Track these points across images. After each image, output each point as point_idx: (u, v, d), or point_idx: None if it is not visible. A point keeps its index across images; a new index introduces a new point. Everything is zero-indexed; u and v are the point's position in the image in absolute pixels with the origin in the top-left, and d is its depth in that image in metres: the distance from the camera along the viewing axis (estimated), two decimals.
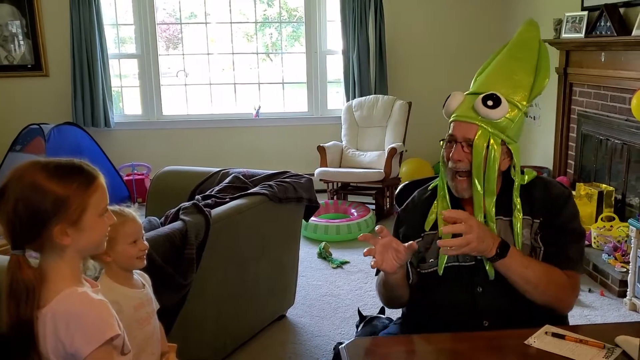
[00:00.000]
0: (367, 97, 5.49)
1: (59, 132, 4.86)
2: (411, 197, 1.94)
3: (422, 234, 1.79)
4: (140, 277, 1.67)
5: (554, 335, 1.48)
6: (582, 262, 1.72)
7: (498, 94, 1.65)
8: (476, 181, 1.67)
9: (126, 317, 1.54)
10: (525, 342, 1.46)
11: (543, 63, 1.73)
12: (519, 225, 1.68)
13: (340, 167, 5.29)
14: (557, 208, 1.70)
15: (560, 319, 1.71)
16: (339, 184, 5.33)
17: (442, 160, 1.76)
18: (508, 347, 1.45)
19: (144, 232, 1.64)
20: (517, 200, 1.69)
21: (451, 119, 1.74)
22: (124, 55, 5.92)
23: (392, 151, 4.95)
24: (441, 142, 1.77)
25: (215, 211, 2.55)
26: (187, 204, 2.53)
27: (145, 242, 1.63)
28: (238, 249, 2.74)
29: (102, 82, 5.57)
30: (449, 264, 1.72)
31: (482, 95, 1.66)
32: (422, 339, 1.60)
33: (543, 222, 1.70)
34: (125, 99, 6.11)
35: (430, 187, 1.89)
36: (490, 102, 1.64)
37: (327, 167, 5.12)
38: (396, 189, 5.18)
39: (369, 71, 5.66)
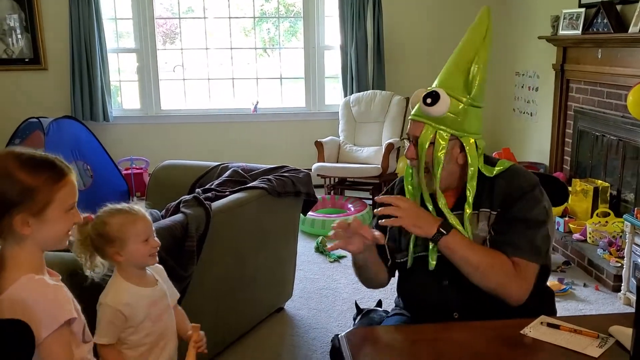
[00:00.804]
0: (365, 92, 5.51)
1: (58, 126, 4.86)
2: (390, 185, 2.00)
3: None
4: (153, 270, 1.67)
5: (549, 325, 1.51)
6: (535, 252, 1.65)
7: (438, 90, 1.67)
8: (420, 178, 1.70)
9: (140, 316, 1.57)
10: (521, 331, 1.49)
11: (481, 54, 1.71)
12: (466, 217, 1.69)
13: (337, 162, 5.31)
14: (513, 200, 1.69)
15: (536, 306, 1.68)
16: (336, 179, 5.35)
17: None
18: (504, 337, 1.48)
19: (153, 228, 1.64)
20: (469, 193, 1.69)
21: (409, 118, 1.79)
22: (123, 49, 5.93)
23: (390, 146, 4.97)
24: (402, 139, 1.81)
25: (216, 204, 2.58)
26: (187, 197, 2.56)
27: (157, 239, 1.62)
28: (237, 242, 2.76)
29: (101, 76, 5.58)
30: (419, 254, 1.76)
31: (424, 93, 1.69)
32: (421, 328, 1.63)
33: (499, 213, 1.70)
34: (124, 93, 6.12)
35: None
36: (429, 100, 1.66)
37: (324, 162, 5.14)
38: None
39: (367, 67, 5.68)
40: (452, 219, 1.68)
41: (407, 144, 1.78)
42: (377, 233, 1.68)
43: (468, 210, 1.69)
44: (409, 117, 1.78)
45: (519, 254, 1.64)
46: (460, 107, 1.67)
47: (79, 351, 1.33)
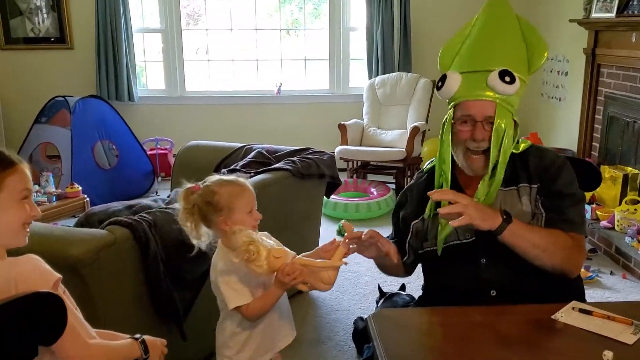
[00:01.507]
0: (391, 74, 5.46)
1: (84, 105, 4.90)
2: (410, 183, 2.00)
3: (422, 216, 1.83)
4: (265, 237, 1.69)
5: (581, 311, 1.49)
6: (584, 225, 1.73)
7: (509, 69, 1.66)
8: (493, 157, 1.67)
9: (225, 277, 1.62)
10: (552, 316, 1.47)
11: (534, 37, 1.74)
12: (495, 185, 1.69)
13: (360, 145, 5.28)
14: (553, 174, 1.72)
15: (570, 286, 1.74)
16: (359, 163, 5.33)
17: (449, 139, 1.74)
18: (535, 321, 1.46)
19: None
20: (501, 174, 1.68)
21: (460, 99, 1.72)
22: (148, 29, 5.94)
23: (415, 130, 4.92)
24: (444, 124, 1.76)
25: None
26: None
27: (258, 212, 1.68)
28: (261, 223, 2.75)
29: (127, 56, 5.60)
30: (451, 243, 1.75)
31: (497, 72, 1.65)
32: (448, 311, 1.62)
33: (540, 188, 1.72)
34: (149, 73, 6.14)
35: (425, 170, 1.92)
36: (508, 78, 1.65)
37: (347, 145, 5.12)
38: (417, 169, 5.16)
39: (393, 48, 5.62)
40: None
41: (446, 126, 1.75)
42: (392, 248, 1.73)
43: (497, 186, 1.69)
44: (466, 98, 1.70)
45: (573, 229, 1.68)
46: (522, 87, 1.70)
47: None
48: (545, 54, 1.75)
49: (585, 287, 1.90)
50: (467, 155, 1.72)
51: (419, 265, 1.95)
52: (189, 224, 1.64)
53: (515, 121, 1.72)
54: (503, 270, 1.69)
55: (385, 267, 1.91)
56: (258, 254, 1.51)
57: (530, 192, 1.72)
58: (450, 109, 1.76)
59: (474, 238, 1.72)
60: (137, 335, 1.45)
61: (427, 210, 1.80)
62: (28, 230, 1.31)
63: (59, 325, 1.18)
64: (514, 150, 1.74)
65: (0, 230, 1.26)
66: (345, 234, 1.69)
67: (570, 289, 1.75)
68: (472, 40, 1.78)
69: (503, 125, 1.66)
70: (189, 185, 1.66)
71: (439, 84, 1.77)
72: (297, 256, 1.61)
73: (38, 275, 1.23)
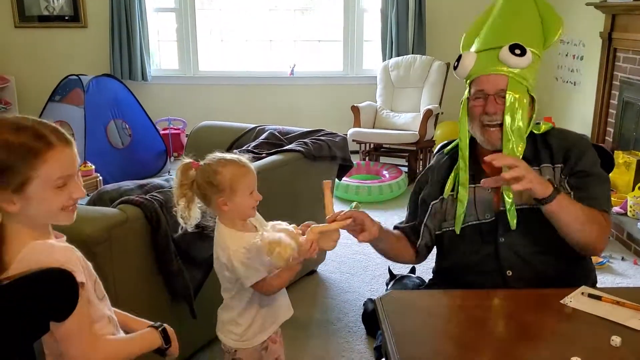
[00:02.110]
0: (405, 56, 5.41)
1: (98, 84, 4.92)
2: (430, 164, 2.00)
3: (441, 197, 1.84)
4: (255, 221, 1.72)
5: (590, 296, 1.49)
6: (610, 204, 1.73)
7: (520, 43, 1.67)
8: (509, 130, 1.68)
9: (239, 256, 1.61)
10: (561, 301, 1.47)
11: (549, 13, 1.75)
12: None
13: (373, 128, 5.26)
14: (577, 154, 1.72)
15: (582, 268, 1.76)
16: (372, 145, 5.31)
17: (466, 117, 1.77)
18: (544, 305, 1.46)
19: None
20: (521, 150, 1.69)
21: (474, 76, 1.74)
22: (162, 8, 5.92)
23: (428, 113, 4.90)
24: (462, 101, 1.78)
25: (252, 165, 2.58)
26: None
27: (259, 194, 1.67)
28: (272, 204, 2.74)
29: (140, 35, 5.60)
30: (470, 223, 1.77)
31: (508, 45, 1.67)
32: (458, 294, 1.62)
33: (564, 167, 1.72)
34: (162, 53, 6.14)
35: (446, 151, 1.93)
36: (518, 51, 1.66)
37: (360, 127, 5.10)
38: (430, 152, 5.13)
39: (407, 30, 5.57)
40: None
41: (464, 102, 1.78)
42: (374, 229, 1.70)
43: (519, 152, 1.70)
44: (479, 73, 1.72)
45: (603, 207, 1.69)
46: (535, 61, 1.70)
47: (97, 309, 1.30)
48: (560, 29, 1.75)
49: (597, 272, 1.91)
50: (483, 129, 1.73)
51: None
52: (183, 202, 1.62)
53: (532, 97, 1.72)
54: (520, 250, 1.70)
55: (386, 252, 1.90)
56: (284, 254, 1.52)
57: (553, 173, 1.72)
58: (467, 87, 1.80)
59: (494, 218, 1.73)
60: (158, 324, 1.40)
61: (446, 190, 1.81)
62: (72, 209, 1.25)
63: (70, 301, 1.19)
64: (534, 131, 1.74)
65: (39, 216, 1.22)
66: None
67: (585, 270, 1.78)
68: (490, 22, 1.79)
69: (516, 96, 1.67)
70: (187, 160, 1.63)
71: (455, 64, 1.79)
72: (312, 225, 1.61)
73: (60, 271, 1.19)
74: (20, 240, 1.19)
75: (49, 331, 1.20)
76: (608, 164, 1.95)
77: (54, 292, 1.18)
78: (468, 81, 1.78)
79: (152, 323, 1.42)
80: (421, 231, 1.87)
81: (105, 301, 1.35)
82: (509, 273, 1.72)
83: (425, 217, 1.86)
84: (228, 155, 1.65)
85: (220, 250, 1.66)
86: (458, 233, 1.77)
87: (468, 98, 1.77)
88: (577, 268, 1.75)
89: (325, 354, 2.54)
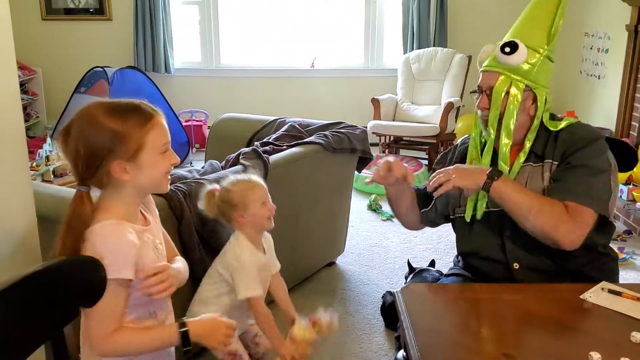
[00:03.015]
0: (426, 49, 5.40)
1: (122, 76, 4.98)
2: (454, 145, 2.03)
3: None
4: (264, 240, 1.89)
5: (610, 291, 1.49)
6: (592, 197, 1.62)
7: (516, 40, 1.69)
8: (490, 128, 1.72)
9: (249, 270, 1.79)
10: (581, 296, 1.47)
11: (563, 6, 1.74)
12: (518, 163, 1.72)
13: (394, 120, 5.26)
14: (573, 149, 1.70)
15: (591, 264, 1.72)
16: (392, 138, 5.31)
17: (475, 111, 1.83)
18: (563, 300, 1.47)
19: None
20: (528, 144, 1.73)
21: (479, 71, 1.81)
22: (186, 1, 5.96)
23: (449, 106, 4.88)
24: (471, 93, 1.84)
25: (273, 157, 2.61)
26: (246, 149, 2.60)
27: (273, 204, 1.84)
28: (292, 195, 2.80)
29: (164, 27, 5.65)
30: (485, 210, 1.78)
31: (500, 43, 1.72)
32: (476, 287, 1.63)
33: (560, 163, 1.72)
34: (185, 46, 6.18)
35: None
36: (507, 49, 1.70)
37: (380, 120, 5.10)
38: (451, 145, 5.13)
39: (429, 23, 5.54)
40: (506, 168, 1.72)
41: (475, 97, 1.81)
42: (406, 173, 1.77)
43: (522, 158, 1.73)
44: (481, 69, 1.79)
45: (572, 198, 1.63)
46: (536, 57, 1.70)
47: (138, 306, 1.34)
48: (560, 21, 1.73)
49: (620, 268, 1.89)
50: (486, 125, 1.77)
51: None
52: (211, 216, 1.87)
53: (533, 92, 1.71)
54: (526, 244, 1.71)
55: (398, 207, 1.96)
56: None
57: (551, 168, 1.72)
58: None
59: (501, 209, 1.72)
60: (182, 323, 1.37)
61: None
62: (168, 177, 1.37)
63: (98, 289, 1.23)
64: (550, 127, 1.74)
65: (146, 184, 1.32)
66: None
67: (594, 267, 1.74)
68: (523, 12, 1.83)
69: (502, 92, 1.69)
70: (209, 187, 1.86)
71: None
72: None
73: (113, 260, 1.24)
74: (104, 214, 1.27)
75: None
76: (632, 160, 1.93)
77: (83, 279, 1.22)
78: None
79: (178, 320, 1.41)
80: (432, 204, 1.92)
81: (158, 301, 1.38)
82: (516, 266, 1.74)
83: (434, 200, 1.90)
84: (239, 176, 1.87)
85: (232, 256, 1.81)
86: (468, 221, 1.80)
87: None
88: (588, 264, 1.72)
89: (343, 345, 2.56)
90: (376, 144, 5.27)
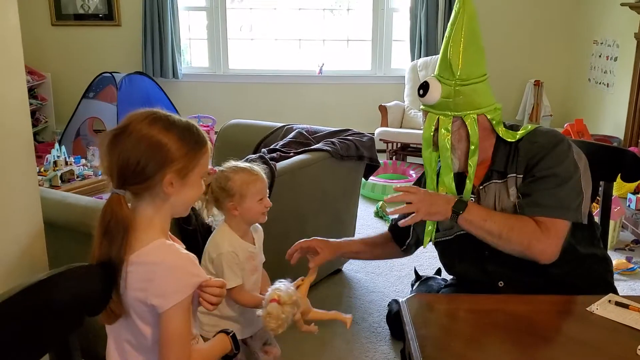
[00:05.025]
0: (433, 56, 5.39)
1: (130, 81, 5.01)
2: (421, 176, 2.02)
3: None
4: (254, 231, 1.81)
5: (617, 304, 1.48)
6: (560, 207, 1.62)
7: (429, 80, 1.71)
8: (443, 160, 1.73)
9: (241, 265, 1.72)
10: (587, 308, 1.46)
11: (454, 34, 1.69)
12: (466, 191, 1.72)
13: (401, 127, 5.26)
14: (536, 160, 1.68)
15: (577, 277, 1.71)
16: (399, 145, 5.31)
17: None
18: (569, 312, 1.46)
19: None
20: (470, 170, 1.71)
21: None
22: (193, 7, 6.00)
23: None
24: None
25: (280, 164, 2.61)
26: (254, 156, 2.60)
27: (269, 200, 1.75)
28: (300, 202, 2.80)
29: (172, 33, 5.68)
30: (457, 233, 1.79)
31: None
32: (483, 298, 1.62)
33: (524, 176, 1.70)
34: (193, 51, 6.21)
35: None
36: (420, 91, 1.72)
37: (387, 127, 5.10)
38: None
39: (437, 30, 5.54)
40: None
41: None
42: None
43: (469, 185, 1.71)
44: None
45: (542, 212, 1.62)
46: (451, 89, 1.68)
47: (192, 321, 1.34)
48: (459, 47, 1.70)
49: (626, 278, 1.88)
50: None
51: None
52: (200, 203, 1.72)
53: (462, 119, 1.69)
54: (507, 261, 1.68)
55: (364, 258, 2.01)
56: (268, 325, 1.57)
57: (516, 182, 1.70)
58: None
59: None
60: (229, 330, 1.43)
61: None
62: (196, 199, 1.38)
63: (102, 299, 1.23)
64: (508, 139, 1.72)
65: (181, 203, 1.32)
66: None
67: (579, 274, 1.72)
68: None
69: (431, 131, 1.71)
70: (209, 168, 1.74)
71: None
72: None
73: (182, 276, 1.25)
74: (151, 231, 1.27)
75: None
76: (638, 169, 1.92)
77: (89, 287, 1.22)
78: None
79: (223, 329, 1.44)
80: (411, 231, 1.93)
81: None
82: (501, 284, 1.75)
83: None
84: (241, 164, 1.76)
85: (213, 246, 1.74)
86: (425, 247, 1.84)
87: None
88: (572, 272, 1.70)
89: (348, 353, 2.56)
90: (383, 151, 5.27)
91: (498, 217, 1.64)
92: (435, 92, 1.69)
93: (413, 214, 1.66)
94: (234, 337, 1.41)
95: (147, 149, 1.22)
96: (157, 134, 1.23)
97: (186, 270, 1.26)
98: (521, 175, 1.70)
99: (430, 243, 1.86)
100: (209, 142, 1.33)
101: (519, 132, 1.74)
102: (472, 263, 1.78)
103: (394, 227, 2.01)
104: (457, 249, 1.81)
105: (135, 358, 1.31)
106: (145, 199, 1.27)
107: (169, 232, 1.35)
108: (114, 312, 1.26)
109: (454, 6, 1.73)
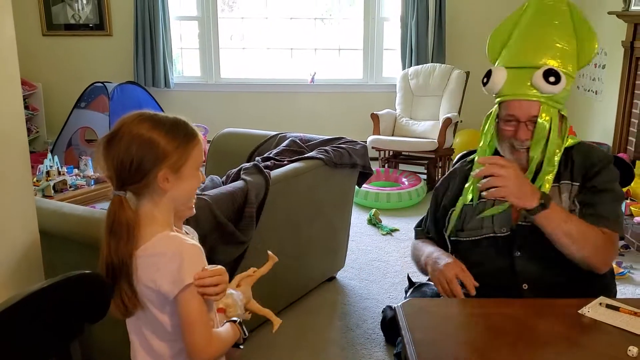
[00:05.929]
0: (424, 65, 5.44)
1: (122, 91, 5.01)
2: (453, 168, 2.00)
3: (462, 205, 1.84)
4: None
5: (608, 306, 1.50)
6: (619, 223, 1.71)
7: (556, 69, 1.66)
8: (534, 156, 1.70)
9: None
10: (579, 311, 1.48)
11: (585, 28, 1.73)
12: (547, 183, 1.71)
13: (393, 135, 5.29)
14: (594, 171, 1.72)
15: (599, 283, 1.74)
16: (391, 153, 5.34)
17: (492, 132, 1.79)
18: (562, 315, 1.48)
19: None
20: (555, 162, 1.72)
21: (505, 98, 1.73)
22: (185, 17, 6.02)
23: (447, 121, 4.91)
24: (488, 118, 1.81)
25: (274, 173, 2.63)
26: (248, 164, 2.62)
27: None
28: (293, 211, 2.82)
29: (164, 43, 5.69)
30: (486, 235, 1.78)
31: (542, 71, 1.66)
32: (478, 302, 1.64)
33: (581, 186, 1.73)
34: (185, 60, 6.23)
35: (469, 159, 1.94)
36: (552, 79, 1.65)
37: (379, 135, 5.13)
38: (449, 160, 5.14)
39: (427, 39, 5.60)
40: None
41: (490, 120, 1.79)
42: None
43: (547, 185, 1.70)
44: (511, 97, 1.72)
45: (607, 225, 1.67)
46: (569, 83, 1.71)
47: (210, 305, 1.37)
48: (596, 47, 1.75)
49: (616, 282, 1.91)
50: (513, 150, 1.75)
51: None
52: None
53: (562, 115, 1.73)
54: (536, 264, 1.71)
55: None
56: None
57: (571, 190, 1.73)
58: (496, 104, 1.79)
59: (509, 232, 1.75)
60: (235, 319, 1.46)
61: (467, 195, 1.82)
62: (194, 199, 1.41)
63: (102, 306, 1.25)
64: (566, 145, 1.76)
65: (180, 197, 1.35)
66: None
67: (601, 284, 1.76)
68: (521, 31, 1.77)
69: (546, 124, 1.68)
70: None
71: (485, 80, 1.77)
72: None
73: (178, 268, 1.27)
74: (154, 225, 1.32)
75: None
76: (628, 175, 1.96)
77: (87, 295, 1.23)
78: (498, 100, 1.77)
79: (228, 320, 1.47)
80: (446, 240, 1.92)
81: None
82: (525, 286, 1.73)
83: (446, 226, 1.89)
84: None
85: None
86: (467, 202, 1.81)
87: (497, 118, 1.77)
88: (594, 281, 1.73)
89: None
90: (376, 159, 5.29)
91: (576, 221, 1.65)
92: (564, 84, 1.67)
93: (498, 187, 1.56)
94: (241, 324, 1.45)
95: (138, 147, 1.28)
96: (146, 132, 1.29)
97: (190, 255, 1.30)
98: (577, 184, 1.73)
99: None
100: (199, 135, 1.38)
101: (568, 141, 1.77)
102: (501, 264, 1.75)
103: (430, 238, 2.00)
104: (481, 251, 1.79)
105: (160, 346, 1.35)
106: (145, 197, 1.33)
107: (183, 224, 1.42)
108: (128, 307, 1.30)
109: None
